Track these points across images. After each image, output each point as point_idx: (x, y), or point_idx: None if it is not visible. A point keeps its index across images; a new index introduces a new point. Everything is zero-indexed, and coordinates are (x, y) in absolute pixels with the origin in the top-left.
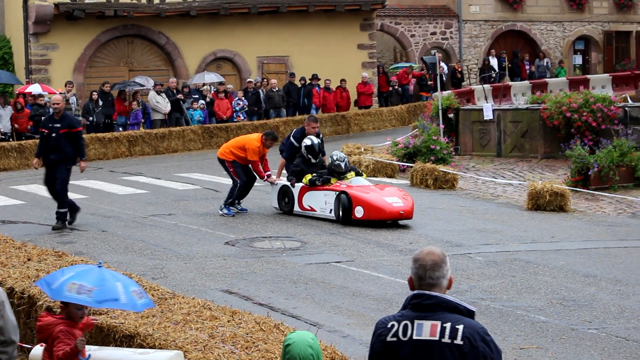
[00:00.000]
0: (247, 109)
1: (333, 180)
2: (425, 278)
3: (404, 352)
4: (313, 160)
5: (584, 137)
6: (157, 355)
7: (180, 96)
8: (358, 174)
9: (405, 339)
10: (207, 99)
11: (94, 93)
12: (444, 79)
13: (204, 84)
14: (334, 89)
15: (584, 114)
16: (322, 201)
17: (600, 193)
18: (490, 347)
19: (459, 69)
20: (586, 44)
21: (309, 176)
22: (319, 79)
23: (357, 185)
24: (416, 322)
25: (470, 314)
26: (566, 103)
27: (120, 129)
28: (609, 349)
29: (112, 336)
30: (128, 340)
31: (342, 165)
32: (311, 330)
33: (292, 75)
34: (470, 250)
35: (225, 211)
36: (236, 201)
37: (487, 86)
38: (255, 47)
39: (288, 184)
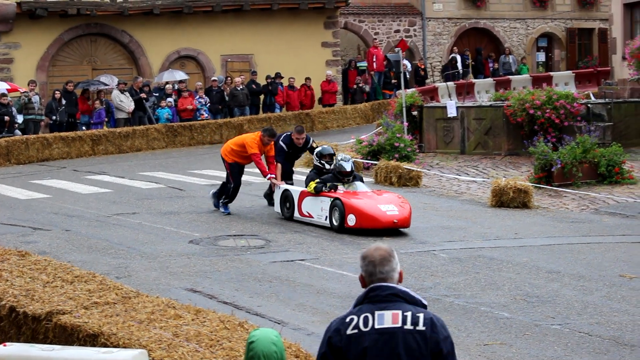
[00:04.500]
0: (209, 106)
1: (341, 185)
2: (376, 273)
3: (366, 341)
4: (328, 167)
5: (547, 134)
6: (121, 354)
7: (143, 95)
8: (359, 178)
9: (367, 329)
10: (173, 97)
11: (57, 92)
12: (408, 76)
13: (166, 83)
14: (299, 87)
15: (547, 111)
16: (318, 208)
17: (563, 189)
18: (449, 335)
19: (422, 67)
20: (549, 41)
21: (313, 184)
22: (283, 77)
23: (353, 191)
24: (376, 312)
25: (424, 306)
26: (529, 100)
27: (84, 128)
28: (572, 344)
29: (76, 335)
30: (92, 339)
31: (347, 165)
32: (275, 328)
33: (254, 73)
34: (435, 247)
35: (222, 209)
36: (221, 200)
37: (450, 84)
38: (219, 46)
39: (288, 187)
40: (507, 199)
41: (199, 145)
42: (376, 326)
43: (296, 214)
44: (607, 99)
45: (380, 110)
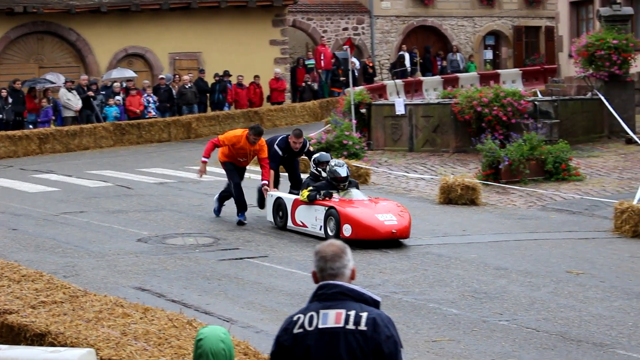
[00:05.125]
0: (157, 104)
1: (335, 192)
2: (326, 269)
3: (310, 341)
4: (324, 174)
5: (494, 131)
6: (69, 353)
7: (90, 93)
8: (354, 185)
9: (311, 328)
10: (121, 95)
11: (4, 90)
12: (356, 74)
13: (115, 81)
14: (247, 85)
15: (495, 108)
16: (312, 217)
17: (510, 186)
18: (393, 335)
19: (371, 65)
20: (496, 39)
21: (306, 192)
22: (231, 75)
23: (349, 199)
24: (321, 312)
25: (376, 303)
26: (477, 98)
27: (31, 126)
28: (520, 340)
29: (23, 335)
30: (39, 339)
31: (342, 171)
32: (224, 326)
33: (202, 71)
34: (383, 245)
35: (239, 217)
36: (220, 204)
37: (399, 81)
38: (167, 44)
39: (281, 194)
40: (455, 196)
41: (147, 143)
42: (320, 325)
43: (289, 224)
44: (554, 97)
45: (328, 108)
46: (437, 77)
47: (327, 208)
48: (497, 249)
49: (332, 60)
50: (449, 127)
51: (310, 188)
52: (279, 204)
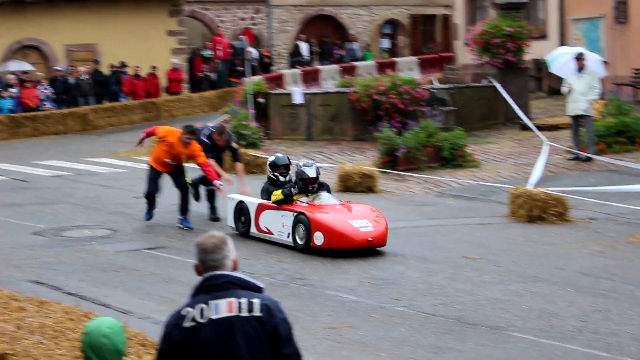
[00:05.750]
0: (54, 97)
1: (303, 196)
2: (207, 261)
3: (203, 333)
4: (282, 179)
5: (391, 119)
6: None
7: None
8: (325, 187)
9: (204, 320)
10: (15, 88)
11: None
12: (254, 64)
13: (10, 73)
14: (144, 76)
15: (392, 96)
16: (279, 223)
17: (408, 174)
18: (286, 318)
19: (268, 54)
20: (393, 27)
21: (278, 193)
22: (127, 66)
23: (319, 203)
24: (211, 302)
25: (260, 290)
26: (374, 86)
27: None
28: (417, 325)
29: None
30: None
31: (310, 171)
32: (121, 318)
33: (98, 62)
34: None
35: (146, 216)
36: (181, 215)
37: (296, 70)
38: (63, 35)
39: (243, 198)
40: (353, 184)
41: (43, 136)
42: (212, 316)
43: (253, 230)
44: (450, 84)
45: (226, 98)
46: (335, 66)
47: (295, 214)
48: (394, 236)
49: (230, 50)
50: (347, 116)
51: (285, 187)
52: (240, 208)
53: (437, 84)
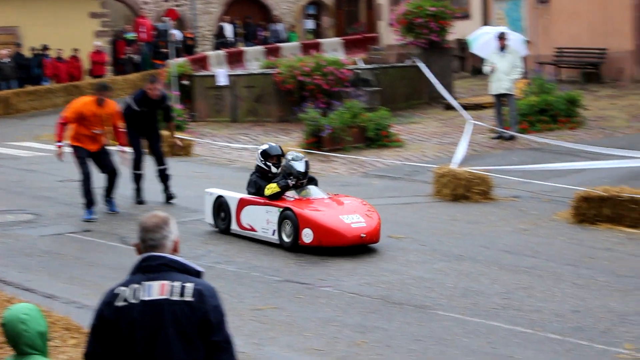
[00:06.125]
0: None
1: (292, 191)
2: (147, 240)
3: (134, 313)
4: (275, 170)
5: (316, 100)
6: None
7: None
8: (313, 181)
9: (135, 301)
10: None
11: None
12: (178, 46)
13: None
14: (67, 59)
15: (316, 77)
16: (263, 219)
17: (333, 154)
18: (219, 304)
19: (191, 36)
20: (317, 8)
21: (273, 186)
22: (50, 49)
23: (307, 198)
24: (145, 283)
25: (198, 274)
26: (298, 67)
27: None
28: (343, 305)
29: None
30: None
31: (300, 165)
32: (45, 303)
33: (19, 45)
34: (206, 216)
35: (87, 216)
36: (106, 198)
37: (221, 52)
38: None
39: (223, 192)
40: None
41: None
42: (144, 298)
43: (234, 227)
44: (374, 65)
45: None
46: (259, 48)
47: (281, 209)
48: None
49: (153, 33)
50: (272, 97)
51: (279, 178)
52: (220, 203)
53: (361, 65)
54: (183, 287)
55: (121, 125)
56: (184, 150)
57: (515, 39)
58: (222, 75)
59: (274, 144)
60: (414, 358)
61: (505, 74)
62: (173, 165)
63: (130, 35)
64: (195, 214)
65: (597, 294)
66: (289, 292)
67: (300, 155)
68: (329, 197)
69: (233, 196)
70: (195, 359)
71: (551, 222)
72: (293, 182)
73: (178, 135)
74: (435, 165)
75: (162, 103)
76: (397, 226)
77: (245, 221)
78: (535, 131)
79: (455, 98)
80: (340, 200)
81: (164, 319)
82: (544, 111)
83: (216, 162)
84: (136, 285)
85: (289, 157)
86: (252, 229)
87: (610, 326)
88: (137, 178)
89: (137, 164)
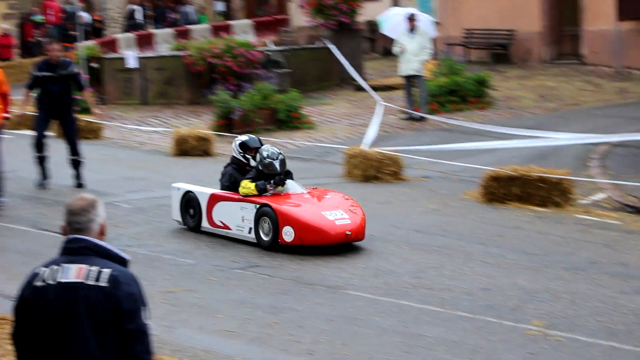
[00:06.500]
0: None
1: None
2: (72, 223)
3: (50, 294)
4: (253, 163)
5: (227, 82)
6: None
7: None
8: (289, 175)
9: (52, 282)
10: None
11: None
12: (87, 28)
13: None
14: None
15: (227, 59)
16: (238, 216)
17: None
18: (135, 292)
19: (99, 18)
20: None
21: (249, 183)
22: None
23: (285, 193)
24: (64, 265)
25: (123, 261)
26: (209, 49)
27: None
28: (255, 286)
29: None
30: None
31: (277, 165)
32: None
33: None
34: (117, 198)
35: None
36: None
37: (130, 35)
38: None
39: (192, 187)
40: (189, 148)
41: None
42: (61, 279)
43: (205, 224)
44: (284, 47)
45: None
46: (169, 30)
47: (258, 206)
48: None
49: (62, 15)
50: (182, 80)
51: (250, 178)
52: (188, 199)
53: (272, 47)
54: (100, 272)
55: (6, 92)
56: (92, 133)
57: (424, 21)
58: (131, 57)
59: (252, 136)
60: (325, 338)
61: (414, 55)
62: (83, 148)
63: (38, 18)
64: (105, 197)
65: (506, 272)
66: (201, 275)
67: (276, 151)
68: (308, 192)
69: (203, 191)
70: (106, 346)
71: (461, 201)
72: (272, 188)
73: (88, 118)
74: (346, 146)
75: (66, 69)
76: None
77: (217, 218)
78: (444, 112)
79: (366, 79)
80: (320, 195)
81: (77, 302)
82: (453, 92)
83: (126, 145)
84: (56, 267)
85: (265, 153)
86: (226, 227)
87: (519, 303)
88: (40, 160)
89: (38, 146)
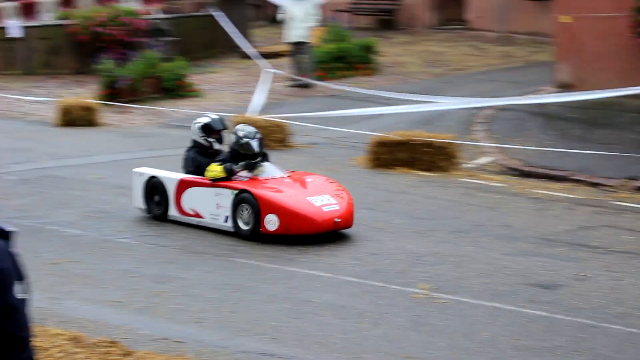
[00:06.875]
0: None
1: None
2: None
3: None
4: (217, 146)
5: (112, 51)
6: None
7: None
8: (264, 156)
9: None
10: None
11: None
12: None
13: None
14: None
15: (112, 28)
16: (212, 204)
17: (130, 105)
18: (4, 267)
19: None
20: None
21: (216, 167)
22: None
23: (264, 177)
24: None
25: (5, 234)
26: (93, 18)
27: None
28: (143, 255)
29: None
30: None
31: (255, 145)
32: None
33: None
34: (1, 170)
35: None
36: None
37: (13, 3)
38: None
39: (156, 172)
40: (74, 118)
41: None
42: None
43: (173, 212)
44: (171, 14)
45: None
46: None
47: (236, 192)
48: (117, 168)
49: None
50: (67, 49)
51: (223, 161)
52: (153, 185)
53: (158, 15)
54: None
55: None
56: None
57: None
58: (14, 26)
59: (215, 117)
60: (213, 306)
61: (300, 22)
62: None
63: None
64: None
65: (393, 237)
66: (87, 245)
67: (253, 130)
68: (288, 175)
69: (171, 177)
70: None
71: (348, 167)
72: (239, 169)
73: None
74: (233, 114)
75: None
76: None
77: (187, 206)
78: (331, 78)
79: (253, 47)
80: (302, 178)
81: None
82: (340, 58)
83: (10, 116)
84: None
85: (241, 132)
86: (198, 215)
87: (406, 267)
88: None
89: None
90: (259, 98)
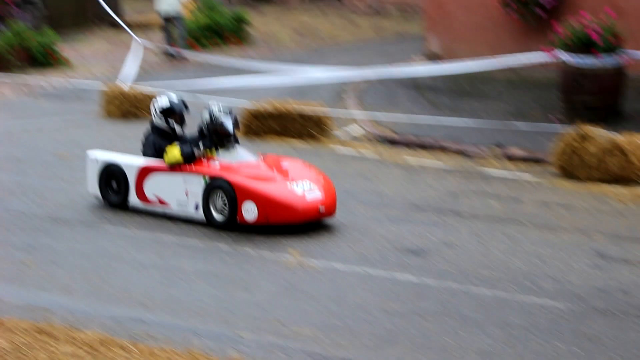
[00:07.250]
0: None
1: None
2: None
3: None
4: (178, 129)
5: None
6: None
7: None
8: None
9: None
10: None
11: None
12: None
13: None
14: None
15: None
16: (179, 190)
17: None
18: None
19: None
20: None
21: (176, 153)
22: None
23: (237, 162)
24: None
25: None
26: None
27: None
28: (8, 224)
29: None
30: None
31: (228, 123)
32: None
33: None
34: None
35: None
36: None
37: None
38: None
39: (114, 158)
40: None
41: None
42: None
43: (133, 200)
44: None
45: None
46: None
47: (207, 178)
48: None
49: None
50: None
51: (183, 144)
52: (110, 172)
53: None
54: None
55: None
56: None
57: None
58: None
59: (173, 97)
60: (82, 274)
61: None
62: None
63: None
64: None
65: None
66: None
67: (226, 107)
68: (262, 159)
69: (131, 163)
70: None
71: None
72: (201, 152)
73: None
74: (103, 84)
75: None
76: (63, 145)
77: (151, 192)
78: (203, 49)
79: (124, 18)
80: (277, 163)
81: None
82: (212, 30)
83: None
84: None
85: (214, 108)
86: (162, 203)
87: (276, 234)
88: None
89: None
90: (130, 68)
